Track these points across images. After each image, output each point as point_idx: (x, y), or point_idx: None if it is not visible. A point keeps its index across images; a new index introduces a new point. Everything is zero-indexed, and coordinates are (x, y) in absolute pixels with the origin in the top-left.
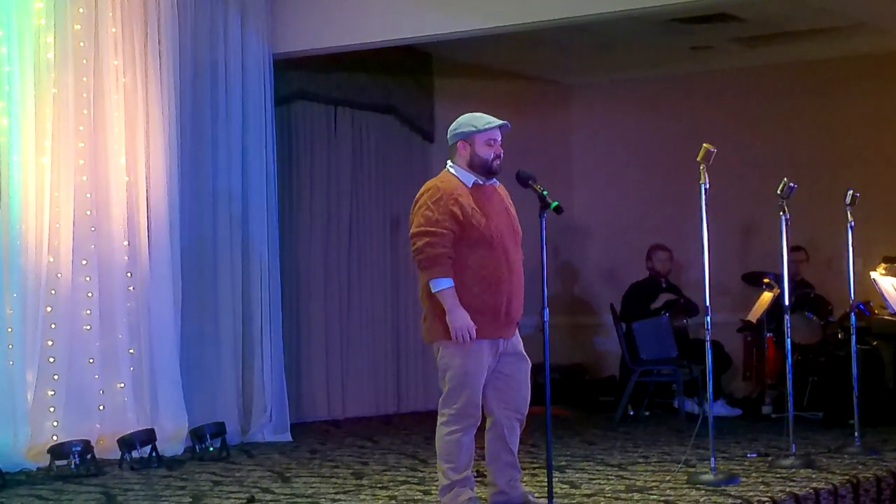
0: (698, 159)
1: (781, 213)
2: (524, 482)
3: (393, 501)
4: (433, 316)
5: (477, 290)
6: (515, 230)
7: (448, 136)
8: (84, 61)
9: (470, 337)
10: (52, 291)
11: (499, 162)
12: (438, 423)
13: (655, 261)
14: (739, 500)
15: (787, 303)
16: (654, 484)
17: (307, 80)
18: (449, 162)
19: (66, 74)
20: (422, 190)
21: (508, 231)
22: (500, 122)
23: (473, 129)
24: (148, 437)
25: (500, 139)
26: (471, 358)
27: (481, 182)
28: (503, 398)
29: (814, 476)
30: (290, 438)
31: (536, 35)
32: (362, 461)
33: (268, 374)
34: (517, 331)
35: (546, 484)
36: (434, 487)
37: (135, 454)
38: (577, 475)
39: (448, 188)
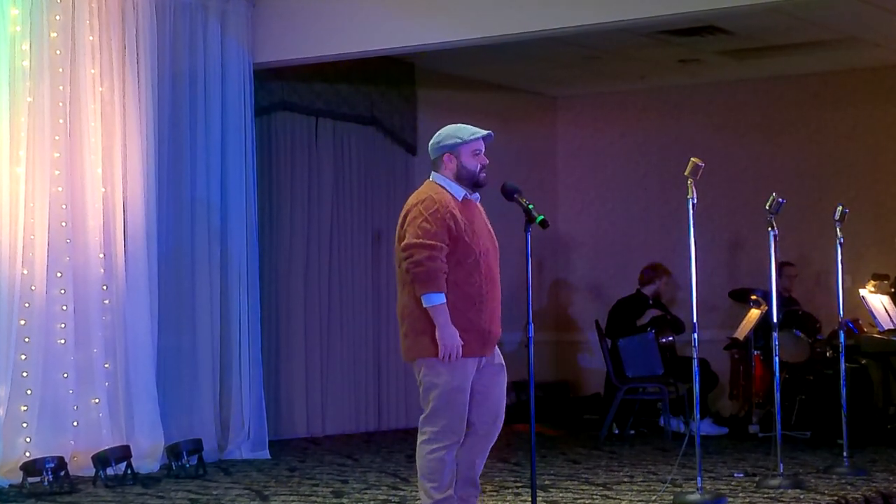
0: (686, 173)
1: (770, 229)
2: (507, 502)
3: None
4: (417, 332)
5: (463, 307)
6: (496, 247)
7: (430, 148)
8: (60, 70)
9: (457, 356)
10: (26, 304)
11: (485, 173)
12: (419, 442)
13: (661, 284)
14: None
15: (775, 320)
16: None
17: (288, 91)
18: (435, 174)
19: (41, 83)
20: (414, 200)
21: (491, 248)
22: (485, 132)
23: (459, 140)
24: (123, 453)
25: (483, 149)
26: (456, 374)
27: (469, 196)
28: (482, 410)
29: (802, 497)
30: (269, 456)
31: (521, 46)
32: (342, 479)
33: (246, 390)
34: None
35: (530, 503)
36: None
37: (109, 471)
38: (561, 495)
39: (442, 200)
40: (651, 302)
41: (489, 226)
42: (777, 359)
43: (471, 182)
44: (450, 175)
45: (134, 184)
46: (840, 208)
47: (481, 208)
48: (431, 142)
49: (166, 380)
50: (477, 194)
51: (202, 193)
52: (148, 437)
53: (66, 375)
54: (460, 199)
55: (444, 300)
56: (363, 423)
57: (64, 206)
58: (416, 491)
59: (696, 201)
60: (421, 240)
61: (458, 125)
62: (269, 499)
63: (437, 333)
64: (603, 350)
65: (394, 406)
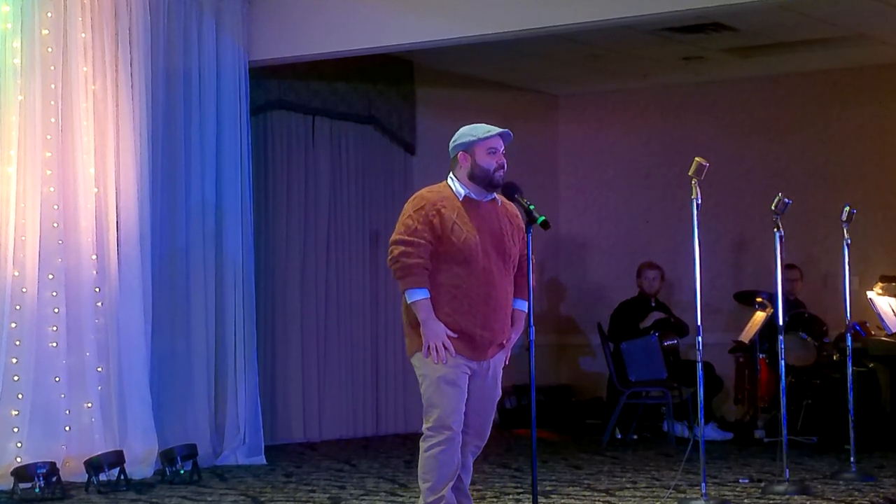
0: (690, 173)
1: (776, 230)
2: None
3: None
4: (410, 327)
5: (449, 309)
6: (506, 251)
7: (449, 149)
8: (52, 67)
9: (445, 352)
10: (17, 307)
11: (502, 173)
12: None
13: (644, 280)
14: None
15: (781, 323)
16: None
17: (284, 89)
18: (450, 173)
19: (33, 81)
20: (411, 197)
21: (496, 251)
22: (501, 129)
23: (473, 138)
24: (116, 459)
25: (502, 148)
26: (447, 365)
27: (474, 196)
28: (467, 421)
29: (808, 503)
30: (265, 461)
31: (522, 44)
32: (339, 485)
33: (242, 395)
34: (504, 355)
35: None
36: None
37: (102, 477)
38: (563, 501)
39: (434, 198)
40: (654, 304)
41: (508, 229)
42: (783, 362)
43: (485, 182)
44: (463, 174)
45: (127, 184)
46: (847, 209)
47: (504, 210)
48: (449, 143)
49: (160, 384)
50: (492, 194)
51: (197, 194)
52: (141, 442)
53: (57, 379)
54: (461, 199)
55: (426, 295)
56: (361, 428)
57: (56, 207)
58: (415, 497)
59: (700, 202)
60: (400, 236)
61: (475, 124)
62: None
63: (420, 329)
64: (605, 353)
65: (392, 410)
